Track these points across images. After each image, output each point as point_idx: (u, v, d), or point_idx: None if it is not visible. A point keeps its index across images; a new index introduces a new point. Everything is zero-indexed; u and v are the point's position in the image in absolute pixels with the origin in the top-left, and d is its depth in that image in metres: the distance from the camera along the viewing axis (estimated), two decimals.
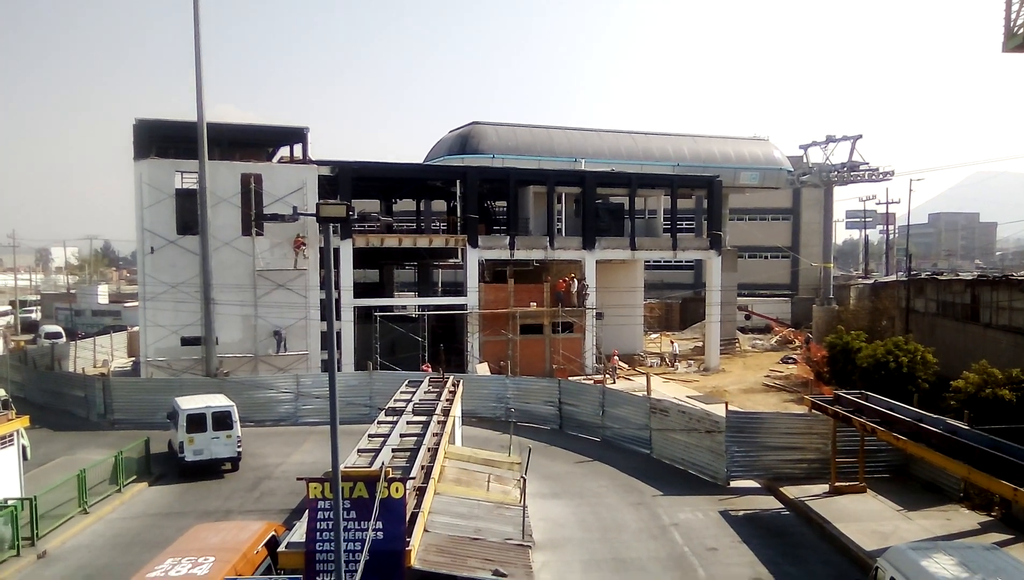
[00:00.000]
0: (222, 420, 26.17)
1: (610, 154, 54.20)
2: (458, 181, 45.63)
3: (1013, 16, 22.14)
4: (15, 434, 22.28)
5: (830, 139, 66.39)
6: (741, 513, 22.66)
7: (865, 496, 23.32)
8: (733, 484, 25.02)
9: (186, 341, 38.80)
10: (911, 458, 23.73)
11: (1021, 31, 21.77)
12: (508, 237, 45.30)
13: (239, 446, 26.55)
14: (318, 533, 13.10)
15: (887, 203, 75.12)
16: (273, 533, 15.39)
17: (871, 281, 61.29)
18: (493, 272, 46.90)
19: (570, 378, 38.53)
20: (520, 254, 45.40)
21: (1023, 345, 25.98)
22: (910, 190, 73.12)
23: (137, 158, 38.83)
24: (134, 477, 25.50)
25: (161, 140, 40.21)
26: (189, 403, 26.88)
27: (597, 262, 46.93)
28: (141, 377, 37.94)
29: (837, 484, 23.72)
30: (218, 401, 27.34)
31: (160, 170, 39.06)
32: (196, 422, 25.87)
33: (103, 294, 79.48)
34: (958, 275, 45.92)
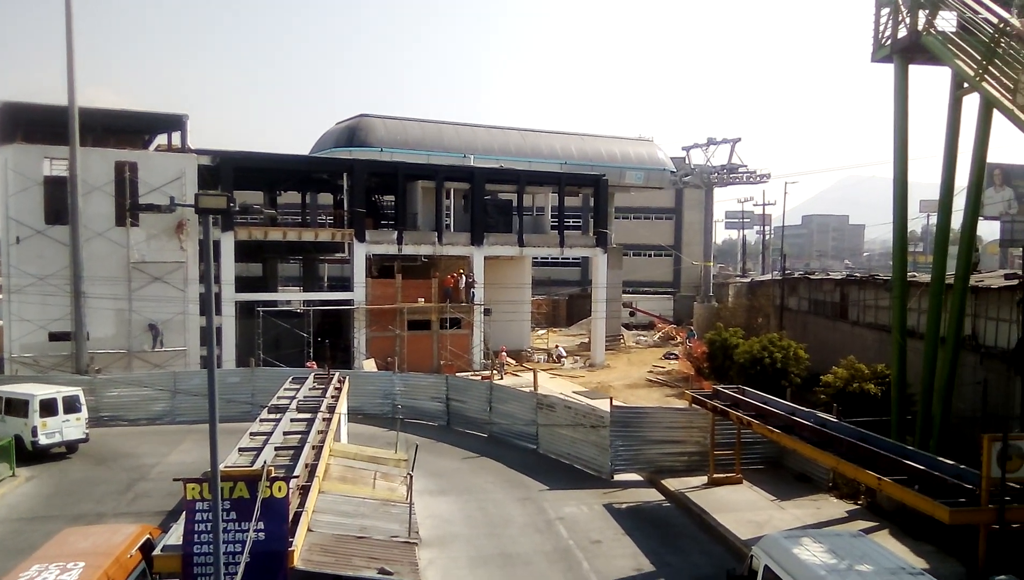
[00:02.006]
0: (71, 404, 27.98)
1: (499, 151, 54.45)
2: (345, 174, 44.95)
3: (881, 28, 23.28)
4: None
5: (711, 141, 68.63)
6: (624, 506, 23.13)
7: (742, 487, 24.16)
8: (617, 478, 25.51)
9: (54, 336, 36.85)
10: (784, 450, 24.69)
11: (888, 43, 22.91)
12: (396, 232, 44.90)
13: (87, 428, 28.51)
14: (196, 535, 12.67)
15: (764, 205, 78.22)
16: (148, 536, 14.76)
17: (748, 280, 63.61)
18: (381, 267, 46.43)
19: (458, 374, 38.60)
20: (408, 249, 45.09)
21: (887, 342, 27.44)
22: (785, 193, 76.62)
23: (2, 143, 36.68)
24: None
25: (28, 124, 38.06)
26: (32, 390, 28.12)
27: (485, 258, 47.08)
28: (4, 374, 35.86)
29: (715, 476, 24.49)
30: (49, 389, 28.54)
31: (27, 156, 36.94)
32: (48, 407, 27.24)
33: None
34: (828, 275, 48.10)
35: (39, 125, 38.27)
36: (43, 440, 26.98)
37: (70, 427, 27.74)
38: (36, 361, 36.29)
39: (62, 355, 36.44)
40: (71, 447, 28.06)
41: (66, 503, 22.91)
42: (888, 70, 23.34)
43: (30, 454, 26.41)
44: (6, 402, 27.77)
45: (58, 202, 36.66)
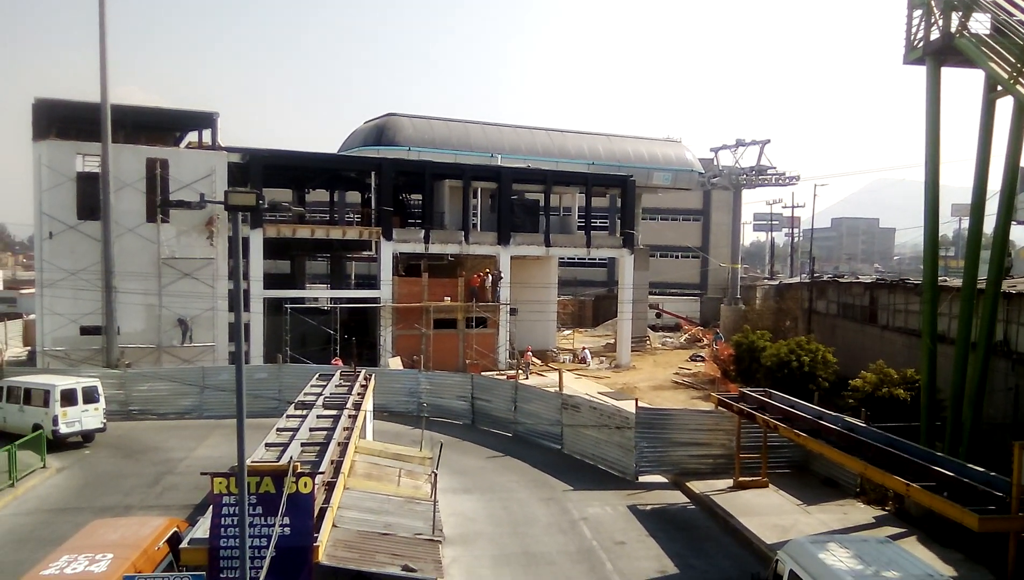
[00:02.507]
0: (89, 395, 28.85)
1: (526, 150, 54.41)
2: (373, 173, 45.13)
3: (913, 30, 23.04)
4: None
5: (740, 143, 68.16)
6: (649, 508, 23.05)
7: (767, 491, 23.99)
8: (642, 479, 25.42)
9: (86, 330, 37.32)
10: (811, 454, 24.49)
11: (920, 45, 22.66)
12: (423, 231, 45.03)
13: (105, 418, 29.38)
14: (223, 529, 12.77)
15: (792, 207, 77.56)
16: (176, 529, 14.92)
17: (776, 282, 63.12)
18: (407, 266, 46.56)
19: (483, 373, 38.61)
20: (435, 248, 45.20)
21: (917, 346, 27.15)
22: (815, 195, 75.90)
23: (36, 139, 37.14)
24: (29, 471, 24.49)
25: (62, 121, 38.53)
26: (52, 381, 28.94)
27: (512, 258, 47.08)
28: (36, 367, 36.36)
29: (741, 479, 24.33)
30: (68, 380, 29.49)
31: (60, 152, 37.46)
32: (68, 397, 28.14)
33: None
34: (858, 278, 47.65)
35: (72, 122, 38.77)
36: (63, 429, 27.88)
37: (89, 416, 28.68)
38: (67, 354, 36.80)
39: (93, 349, 36.90)
40: (88, 436, 28.89)
41: (95, 495, 23.21)
42: (920, 72, 23.10)
43: (50, 442, 26.91)
44: (25, 392, 28.62)
45: (90, 198, 37.14)
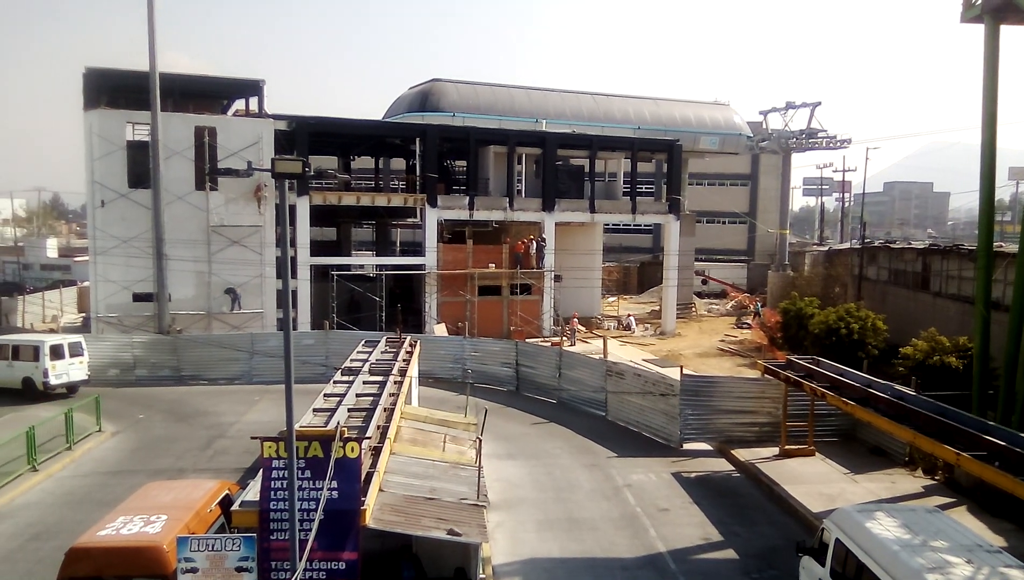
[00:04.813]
0: (75, 349, 31.38)
1: (571, 115, 53.97)
2: (417, 139, 45.16)
3: None
4: None
5: (790, 105, 66.75)
6: (693, 475, 23.01)
7: (814, 459, 23.80)
8: (686, 446, 25.37)
9: (138, 297, 38.14)
10: (859, 423, 24.21)
11: (978, 2, 21.92)
12: (467, 197, 45.04)
13: (89, 371, 31.92)
14: (272, 492, 12.99)
15: (843, 171, 76.20)
16: (227, 492, 15.24)
17: (825, 248, 62.16)
18: (452, 232, 46.68)
19: (527, 340, 38.69)
20: (479, 215, 45.21)
21: (970, 314, 26.60)
22: (866, 158, 74.22)
23: (87, 108, 37.78)
24: (85, 434, 25.20)
25: (112, 90, 39.06)
26: (41, 337, 32.17)
27: (556, 224, 46.91)
28: (92, 333, 37.25)
29: (787, 447, 24.16)
30: (55, 337, 32.96)
31: (111, 121, 38.05)
32: (56, 352, 30.64)
33: (52, 248, 77.86)
34: (910, 244, 46.72)
35: (121, 91, 39.29)
36: (52, 381, 30.35)
37: (75, 369, 31.20)
38: (120, 321, 37.61)
39: (145, 315, 37.69)
40: (72, 388, 31.16)
41: (149, 458, 23.81)
42: (978, 31, 22.37)
43: (39, 393, 30.00)
44: (13, 349, 30.98)
45: (140, 166, 37.72)
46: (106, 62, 39.77)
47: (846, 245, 58.32)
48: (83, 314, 49.53)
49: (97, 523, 13.50)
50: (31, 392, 30.11)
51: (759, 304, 56.88)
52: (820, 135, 65.55)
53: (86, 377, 31.63)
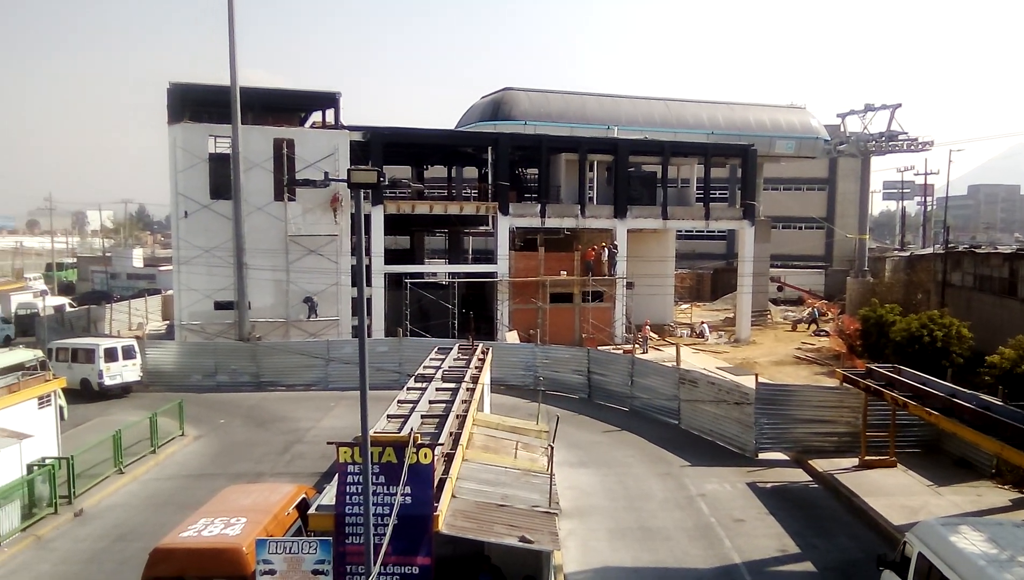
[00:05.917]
0: (128, 352, 33.54)
1: (643, 121, 53.66)
2: (489, 148, 45.42)
3: None
4: (52, 395, 22.75)
5: (868, 108, 65.29)
6: (769, 485, 22.61)
7: (895, 471, 23.16)
8: (761, 456, 24.96)
9: (219, 305, 39.18)
10: (943, 433, 23.47)
11: None
12: (539, 205, 45.10)
13: (141, 373, 33.91)
14: (348, 497, 13.20)
15: (925, 174, 73.93)
16: (304, 496, 15.57)
17: (907, 254, 60.43)
18: (524, 240, 46.79)
19: (599, 347, 38.52)
20: (551, 222, 45.23)
21: None
22: (949, 161, 71.82)
23: (171, 122, 38.97)
24: (168, 438, 26.01)
25: (194, 104, 40.28)
26: (96, 341, 34.39)
27: (628, 231, 46.64)
28: (175, 341, 38.41)
29: (867, 458, 23.56)
30: (110, 340, 35.41)
31: (194, 134, 39.23)
32: (110, 354, 32.81)
33: (138, 258, 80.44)
34: (996, 249, 45.10)
35: (203, 105, 40.46)
36: (107, 382, 32.52)
37: (128, 371, 33.34)
38: (203, 328, 38.71)
39: (226, 323, 38.70)
40: (127, 388, 33.32)
41: (229, 462, 24.46)
42: None
43: (96, 393, 32.15)
44: (72, 352, 33.26)
45: (221, 178, 38.79)
46: (189, 78, 41.23)
47: (929, 250, 56.59)
48: (167, 322, 51.10)
49: (179, 525, 13.92)
50: (88, 392, 32.24)
51: (815, 310, 55.22)
52: (900, 137, 63.94)
53: (139, 378, 33.73)
